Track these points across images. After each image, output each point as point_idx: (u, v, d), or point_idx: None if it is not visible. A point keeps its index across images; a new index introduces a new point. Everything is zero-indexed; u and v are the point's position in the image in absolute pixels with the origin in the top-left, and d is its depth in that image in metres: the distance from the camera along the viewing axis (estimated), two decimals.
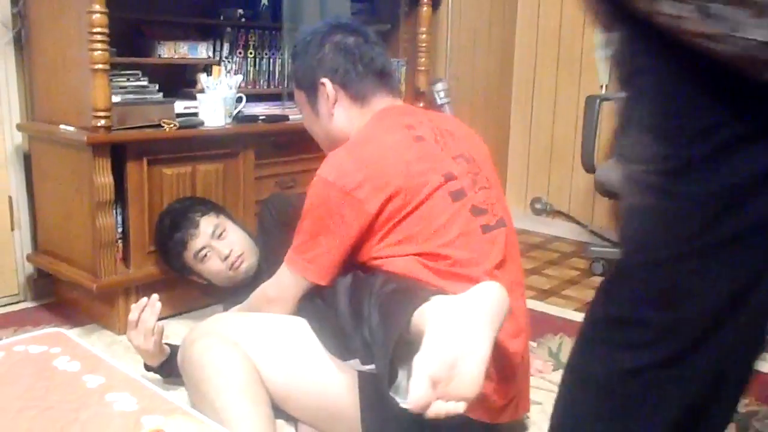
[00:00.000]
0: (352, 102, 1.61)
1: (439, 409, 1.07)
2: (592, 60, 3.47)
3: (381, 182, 1.42)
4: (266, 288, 1.62)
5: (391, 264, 1.43)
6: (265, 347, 1.51)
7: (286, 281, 1.55)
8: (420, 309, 1.21)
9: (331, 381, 1.44)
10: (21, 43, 2.34)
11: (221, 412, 1.36)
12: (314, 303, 1.52)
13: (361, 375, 1.40)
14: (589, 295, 2.74)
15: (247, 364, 1.46)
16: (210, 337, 1.52)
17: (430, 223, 1.43)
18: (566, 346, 2.22)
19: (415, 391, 1.05)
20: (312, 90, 1.64)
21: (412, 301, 1.23)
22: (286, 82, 2.76)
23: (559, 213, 3.72)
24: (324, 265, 1.48)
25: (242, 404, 1.38)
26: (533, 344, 2.21)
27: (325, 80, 1.60)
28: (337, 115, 1.62)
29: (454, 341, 1.09)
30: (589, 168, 2.92)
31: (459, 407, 1.08)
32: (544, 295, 2.76)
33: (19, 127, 2.36)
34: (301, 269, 1.50)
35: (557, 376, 2.00)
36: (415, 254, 1.42)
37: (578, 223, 3.64)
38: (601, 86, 3.43)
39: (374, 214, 1.42)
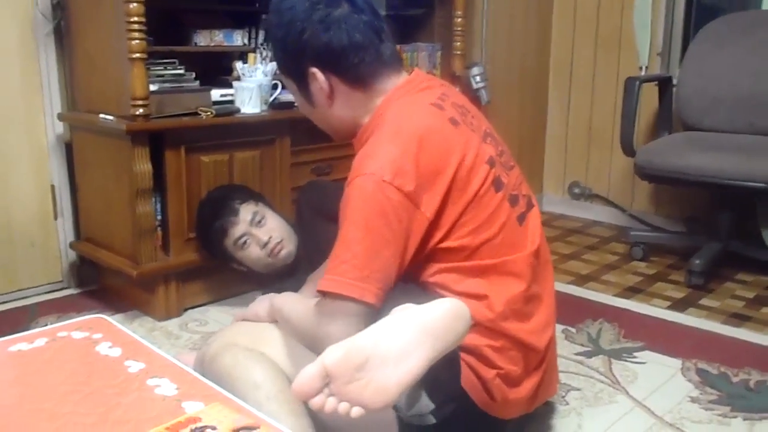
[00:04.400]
0: (351, 89, 1.39)
1: (324, 403, 1.01)
2: (630, 41, 3.40)
3: (436, 182, 1.27)
4: (318, 332, 1.26)
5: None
6: (293, 355, 1.39)
7: (339, 312, 1.22)
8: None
9: None
10: (61, 34, 2.38)
11: None
12: None
13: None
14: (629, 280, 2.71)
15: (279, 375, 1.36)
16: (234, 350, 1.40)
17: (477, 217, 1.32)
18: (606, 332, 2.19)
19: (301, 375, 1.00)
20: (301, 79, 1.41)
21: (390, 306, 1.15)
22: None
23: (597, 197, 3.67)
24: (382, 284, 1.22)
25: (285, 417, 1.28)
26: (572, 330, 2.19)
27: (314, 70, 1.37)
28: (337, 104, 1.41)
29: (374, 346, 1.02)
30: (629, 151, 2.87)
31: (353, 411, 1.01)
32: (583, 280, 2.73)
33: (60, 117, 2.40)
34: (358, 292, 1.21)
35: (596, 362, 1.99)
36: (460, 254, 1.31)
37: (617, 207, 3.58)
38: (640, 68, 3.37)
39: (431, 219, 1.27)
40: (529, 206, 1.47)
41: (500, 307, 1.31)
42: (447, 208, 1.29)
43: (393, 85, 1.41)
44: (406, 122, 1.33)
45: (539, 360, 1.42)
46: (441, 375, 1.24)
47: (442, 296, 1.18)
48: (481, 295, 1.31)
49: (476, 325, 1.25)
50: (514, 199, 1.41)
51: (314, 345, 1.29)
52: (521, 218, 1.42)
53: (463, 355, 1.29)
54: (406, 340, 1.03)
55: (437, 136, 1.31)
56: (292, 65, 1.42)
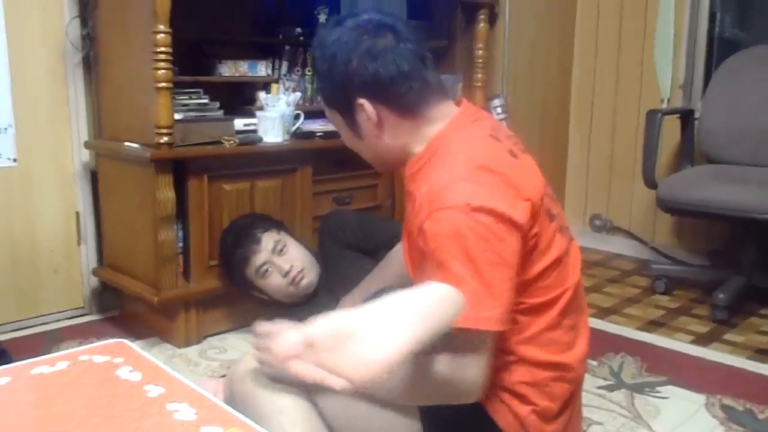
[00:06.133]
0: (400, 118, 1.36)
1: (301, 368, 1.03)
2: (652, 74, 3.40)
3: (518, 194, 1.25)
4: (450, 376, 1.19)
5: None
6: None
7: (468, 351, 1.18)
8: None
9: (392, 410, 1.34)
10: (89, 64, 2.43)
11: None
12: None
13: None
14: (652, 313, 2.68)
15: (302, 401, 1.35)
16: (260, 372, 1.38)
17: (537, 247, 1.29)
18: (628, 365, 2.16)
19: (284, 339, 1.04)
20: (347, 110, 1.38)
21: None
22: None
23: (619, 230, 3.65)
24: (506, 308, 1.18)
25: None
26: (593, 363, 2.17)
27: (362, 101, 1.34)
28: (386, 134, 1.37)
29: (359, 320, 1.02)
30: (651, 183, 2.86)
31: (332, 381, 1.01)
32: (604, 313, 2.70)
33: (86, 145, 2.44)
34: (483, 322, 1.16)
35: (618, 396, 1.96)
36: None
37: (639, 240, 3.56)
38: (662, 100, 3.36)
39: (525, 226, 1.24)
40: (570, 239, 1.44)
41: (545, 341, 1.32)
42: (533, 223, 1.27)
43: (442, 112, 1.38)
44: (473, 154, 1.31)
45: (572, 392, 1.39)
46: (475, 409, 1.24)
47: None
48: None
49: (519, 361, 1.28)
50: (563, 230, 1.39)
51: (445, 393, 1.21)
52: (566, 253, 1.38)
53: (498, 391, 1.29)
54: (395, 319, 1.02)
55: (500, 163, 1.30)
56: (339, 97, 1.39)
